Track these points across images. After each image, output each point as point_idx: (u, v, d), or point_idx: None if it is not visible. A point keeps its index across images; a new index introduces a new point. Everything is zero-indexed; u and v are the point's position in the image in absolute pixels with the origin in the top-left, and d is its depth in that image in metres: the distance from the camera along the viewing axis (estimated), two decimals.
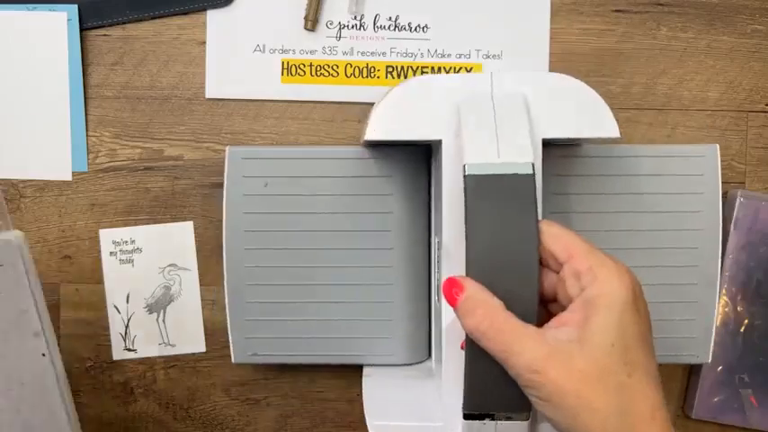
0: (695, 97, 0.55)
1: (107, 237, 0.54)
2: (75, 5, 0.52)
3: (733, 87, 0.55)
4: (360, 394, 0.55)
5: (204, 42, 0.53)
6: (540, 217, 0.37)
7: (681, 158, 0.49)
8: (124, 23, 0.53)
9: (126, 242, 0.54)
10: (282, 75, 0.54)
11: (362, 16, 0.53)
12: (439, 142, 0.42)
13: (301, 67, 0.54)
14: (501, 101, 0.40)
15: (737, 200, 0.53)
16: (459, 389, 0.38)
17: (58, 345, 0.54)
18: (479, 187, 0.36)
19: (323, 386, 0.55)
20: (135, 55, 0.53)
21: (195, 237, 0.54)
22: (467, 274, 0.36)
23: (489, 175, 0.37)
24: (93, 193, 0.54)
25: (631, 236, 0.49)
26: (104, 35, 0.53)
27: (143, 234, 0.54)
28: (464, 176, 0.37)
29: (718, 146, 0.49)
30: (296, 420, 0.56)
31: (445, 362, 0.42)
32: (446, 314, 0.41)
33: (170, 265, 0.54)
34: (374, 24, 0.53)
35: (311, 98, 0.54)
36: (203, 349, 0.55)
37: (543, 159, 0.41)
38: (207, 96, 0.53)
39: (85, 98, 0.53)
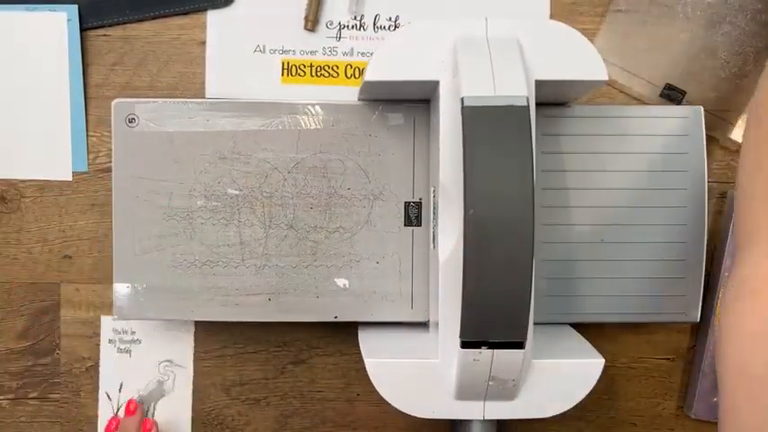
0: None
1: (108, 325, 0.54)
2: (75, 5, 0.52)
3: None
4: (360, 394, 0.55)
5: (204, 42, 0.53)
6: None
7: (666, 119, 0.49)
8: (124, 23, 0.53)
9: (126, 332, 0.54)
10: (283, 75, 0.54)
11: (362, 16, 0.53)
12: (437, 84, 0.43)
13: (301, 67, 0.54)
14: (496, 42, 0.41)
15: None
16: (455, 324, 0.40)
17: (59, 345, 0.54)
18: (477, 118, 0.38)
19: (323, 386, 0.55)
20: (135, 55, 0.53)
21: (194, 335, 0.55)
22: (465, 206, 0.37)
23: (486, 106, 0.38)
24: (94, 193, 0.54)
25: (619, 194, 0.49)
26: (104, 35, 0.53)
27: (143, 326, 0.54)
28: (462, 108, 0.38)
29: (702, 108, 0.49)
30: (296, 420, 0.56)
31: (442, 298, 0.43)
32: (442, 254, 0.42)
33: (166, 361, 0.55)
34: (374, 24, 0.53)
35: (311, 99, 0.54)
36: None
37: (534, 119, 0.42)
38: (207, 96, 0.53)
39: (86, 98, 0.53)
